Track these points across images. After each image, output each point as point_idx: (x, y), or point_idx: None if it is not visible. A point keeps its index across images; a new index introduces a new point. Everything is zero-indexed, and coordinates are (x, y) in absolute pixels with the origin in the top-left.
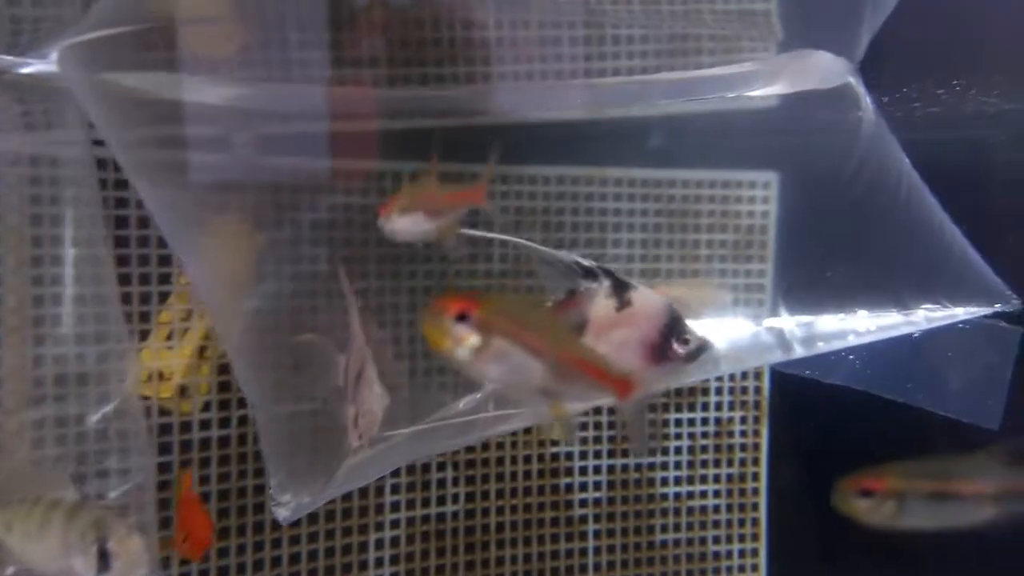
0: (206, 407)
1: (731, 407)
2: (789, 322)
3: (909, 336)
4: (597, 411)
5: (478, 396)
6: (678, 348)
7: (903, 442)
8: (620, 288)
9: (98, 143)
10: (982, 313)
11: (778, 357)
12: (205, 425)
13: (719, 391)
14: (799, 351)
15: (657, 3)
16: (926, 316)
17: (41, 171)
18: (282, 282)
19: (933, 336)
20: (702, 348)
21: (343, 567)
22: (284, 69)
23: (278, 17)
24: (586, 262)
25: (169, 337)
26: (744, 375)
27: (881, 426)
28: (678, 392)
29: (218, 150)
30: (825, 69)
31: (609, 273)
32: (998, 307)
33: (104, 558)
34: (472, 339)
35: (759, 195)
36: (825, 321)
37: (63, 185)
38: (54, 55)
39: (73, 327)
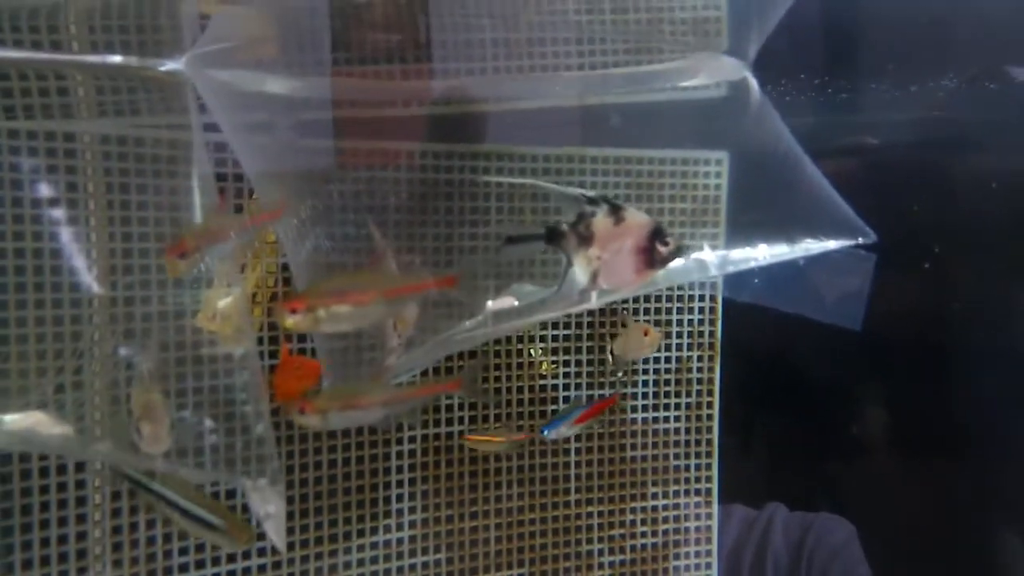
0: (258, 341)
1: (689, 347)
2: (710, 255)
3: (796, 262)
4: (578, 350)
5: (479, 318)
6: (661, 248)
7: (819, 377)
8: (615, 209)
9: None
10: (848, 244)
11: (696, 277)
12: (259, 356)
13: (679, 335)
14: (713, 272)
15: (625, 12)
16: (806, 247)
17: (145, 150)
18: (320, 239)
19: (813, 262)
20: (681, 248)
21: (371, 472)
22: (318, 66)
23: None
24: (589, 193)
25: (228, 284)
26: (700, 321)
27: (808, 363)
28: (645, 334)
29: (271, 129)
30: (729, 67)
31: (606, 199)
32: (860, 240)
33: (139, 433)
34: (305, 318)
35: (713, 170)
36: (735, 252)
37: (178, 162)
38: (183, 59)
39: None
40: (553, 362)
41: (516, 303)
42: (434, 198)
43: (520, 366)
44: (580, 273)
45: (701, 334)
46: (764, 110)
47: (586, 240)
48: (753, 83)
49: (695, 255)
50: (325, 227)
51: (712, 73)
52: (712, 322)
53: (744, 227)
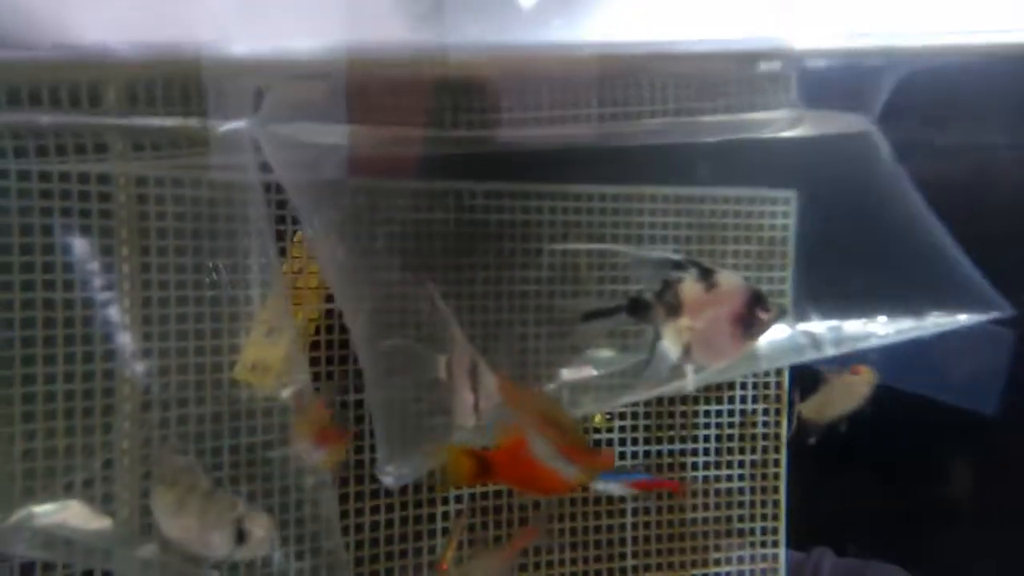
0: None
1: (754, 400)
2: (820, 326)
3: (921, 337)
4: (635, 403)
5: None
6: (762, 315)
7: (895, 432)
8: (706, 273)
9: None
10: (981, 319)
11: (811, 355)
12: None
13: (744, 386)
14: (830, 351)
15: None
16: (935, 322)
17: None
18: (371, 287)
19: (941, 337)
20: (782, 312)
21: (415, 535)
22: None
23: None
24: (675, 256)
25: (268, 333)
26: (766, 373)
27: (883, 418)
28: (707, 388)
29: (316, 171)
30: (846, 121)
31: (694, 262)
32: (995, 314)
33: (241, 535)
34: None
35: (780, 210)
36: (851, 325)
37: (218, 204)
38: (243, 121)
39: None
40: (607, 416)
41: (594, 372)
42: (483, 239)
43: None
44: (671, 347)
45: (767, 386)
46: (892, 169)
47: (675, 310)
48: (881, 137)
49: (802, 327)
50: (369, 272)
51: (820, 126)
52: (779, 372)
53: (857, 295)
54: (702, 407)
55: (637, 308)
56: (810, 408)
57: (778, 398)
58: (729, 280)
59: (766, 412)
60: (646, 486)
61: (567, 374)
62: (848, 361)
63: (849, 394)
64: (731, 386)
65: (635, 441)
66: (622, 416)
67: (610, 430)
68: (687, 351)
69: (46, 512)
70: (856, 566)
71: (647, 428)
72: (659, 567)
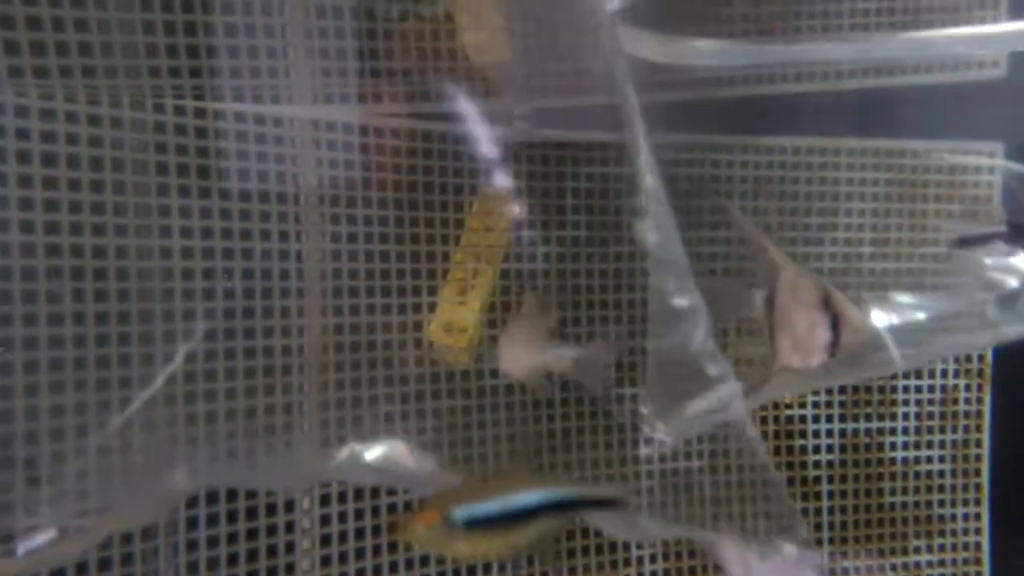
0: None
1: (956, 375)
2: None
3: None
4: None
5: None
6: None
7: None
8: None
9: None
10: None
11: None
12: (493, 374)
13: (944, 360)
14: None
15: None
16: None
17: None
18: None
19: None
20: None
21: None
22: None
23: None
24: None
25: (461, 292)
26: None
27: None
28: None
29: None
30: None
31: None
32: None
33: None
34: None
35: (985, 164)
36: None
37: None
38: None
39: None
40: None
41: (921, 316)
42: (671, 196)
43: None
44: None
45: (969, 359)
46: None
47: None
48: None
49: None
50: None
51: None
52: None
53: None
54: (900, 382)
55: (1020, 235)
56: None
57: (980, 373)
58: None
59: (967, 388)
60: None
61: (883, 319)
62: None
63: None
64: (930, 360)
65: (829, 419)
66: (815, 392)
67: (802, 405)
68: None
69: (372, 451)
70: None
71: (842, 404)
72: (856, 554)
